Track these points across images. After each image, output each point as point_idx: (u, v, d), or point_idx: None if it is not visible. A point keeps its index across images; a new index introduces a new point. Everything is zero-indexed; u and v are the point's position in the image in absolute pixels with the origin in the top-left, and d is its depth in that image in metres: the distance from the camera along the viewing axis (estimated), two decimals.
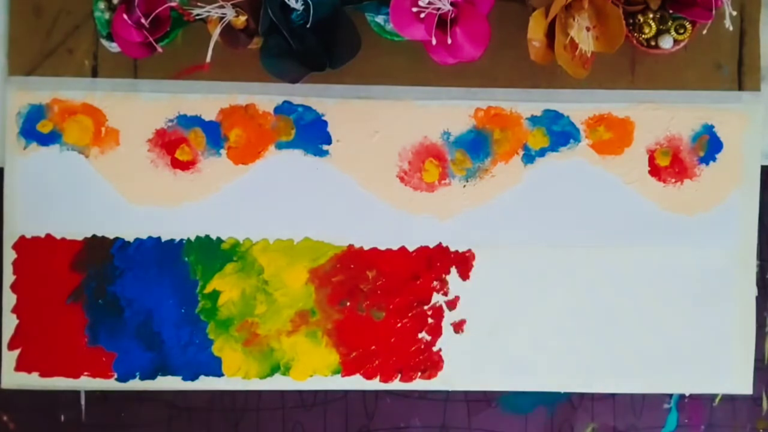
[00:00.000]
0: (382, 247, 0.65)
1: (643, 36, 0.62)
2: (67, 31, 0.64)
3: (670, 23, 0.62)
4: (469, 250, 0.65)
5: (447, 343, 0.65)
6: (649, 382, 0.65)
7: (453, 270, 0.64)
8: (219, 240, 0.64)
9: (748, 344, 0.65)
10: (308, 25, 0.59)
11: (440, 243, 0.65)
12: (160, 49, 0.59)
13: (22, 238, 0.64)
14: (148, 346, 0.64)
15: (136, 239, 0.64)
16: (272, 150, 0.64)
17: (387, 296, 0.65)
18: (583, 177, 0.65)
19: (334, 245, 0.65)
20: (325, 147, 0.64)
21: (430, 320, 0.64)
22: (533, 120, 0.65)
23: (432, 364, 0.64)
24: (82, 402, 0.64)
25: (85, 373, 0.64)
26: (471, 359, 0.65)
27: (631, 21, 0.62)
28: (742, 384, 0.65)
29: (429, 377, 0.65)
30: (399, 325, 0.65)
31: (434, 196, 0.65)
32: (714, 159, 0.65)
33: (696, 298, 0.65)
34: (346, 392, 0.65)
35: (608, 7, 0.58)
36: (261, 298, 0.64)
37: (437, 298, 0.64)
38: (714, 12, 0.58)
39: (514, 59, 0.64)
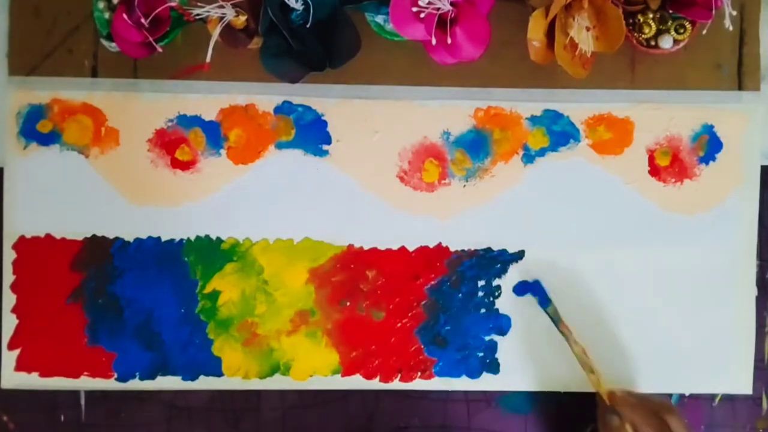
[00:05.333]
0: (382, 247, 0.65)
1: (643, 36, 0.62)
2: (67, 31, 0.64)
3: (670, 23, 0.62)
4: (470, 249, 0.65)
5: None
6: (649, 382, 0.65)
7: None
8: (219, 240, 0.64)
9: (748, 344, 0.65)
10: (308, 25, 0.59)
11: (440, 243, 0.65)
12: (160, 49, 0.59)
13: (22, 238, 0.64)
14: (148, 346, 0.64)
15: (136, 239, 0.64)
16: (272, 150, 0.64)
17: (387, 296, 0.65)
18: (582, 177, 0.65)
19: (334, 245, 0.65)
20: (325, 147, 0.64)
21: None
22: (533, 120, 0.65)
23: (431, 364, 0.65)
24: (82, 402, 0.64)
25: (85, 373, 0.64)
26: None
27: (631, 21, 0.62)
28: (742, 384, 0.65)
29: (429, 377, 0.65)
30: (399, 325, 0.65)
31: (434, 196, 0.65)
32: (714, 159, 0.65)
33: (696, 298, 0.65)
34: (346, 392, 0.65)
35: (608, 7, 0.58)
36: (261, 298, 0.64)
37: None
38: (714, 12, 0.59)
39: (514, 59, 0.64)
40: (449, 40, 0.56)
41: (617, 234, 0.65)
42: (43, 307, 0.64)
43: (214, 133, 0.64)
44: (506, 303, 0.65)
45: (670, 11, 0.61)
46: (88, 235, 0.64)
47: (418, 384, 0.65)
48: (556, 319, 0.63)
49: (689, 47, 0.63)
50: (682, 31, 0.62)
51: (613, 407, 0.59)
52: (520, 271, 0.65)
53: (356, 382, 0.65)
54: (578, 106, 0.65)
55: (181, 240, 0.64)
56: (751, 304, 0.65)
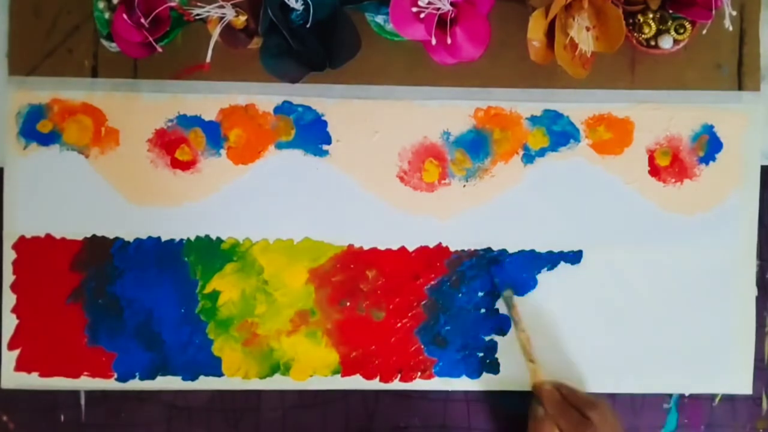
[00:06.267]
0: (382, 247, 0.65)
1: (643, 36, 0.62)
2: (67, 31, 0.64)
3: (670, 23, 0.62)
4: (470, 249, 0.65)
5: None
6: (649, 382, 0.65)
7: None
8: (219, 240, 0.64)
9: (748, 344, 0.65)
10: (308, 25, 0.59)
11: (440, 243, 0.65)
12: (160, 49, 0.59)
13: (22, 238, 0.64)
14: (148, 346, 0.64)
15: (136, 239, 0.64)
16: (272, 150, 0.64)
17: (387, 296, 0.65)
18: (582, 177, 0.65)
19: (334, 245, 0.65)
20: (325, 147, 0.64)
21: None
22: (533, 120, 0.65)
23: (431, 364, 0.65)
24: (82, 402, 0.64)
25: (85, 373, 0.64)
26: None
27: (631, 21, 0.62)
28: (742, 384, 0.65)
29: (429, 377, 0.65)
30: (399, 325, 0.65)
31: (434, 196, 0.65)
32: (714, 159, 0.65)
33: (696, 298, 0.65)
34: (346, 392, 0.65)
35: (608, 7, 0.58)
36: (261, 298, 0.64)
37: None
38: (714, 12, 0.59)
39: (514, 59, 0.64)
40: (449, 40, 0.56)
41: (617, 234, 0.65)
42: (43, 307, 0.64)
43: (214, 133, 0.64)
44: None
45: (670, 11, 0.61)
46: (88, 235, 0.64)
47: (418, 384, 0.65)
48: (509, 304, 0.63)
49: (689, 47, 0.63)
50: (682, 31, 0.62)
51: (539, 399, 0.61)
52: (519, 270, 0.65)
53: (356, 382, 0.65)
54: (578, 106, 0.65)
55: (181, 240, 0.64)
56: (751, 304, 0.65)
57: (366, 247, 0.65)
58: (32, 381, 0.64)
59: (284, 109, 0.64)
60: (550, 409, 0.59)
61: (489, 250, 0.65)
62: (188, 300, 0.64)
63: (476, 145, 0.64)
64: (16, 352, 0.64)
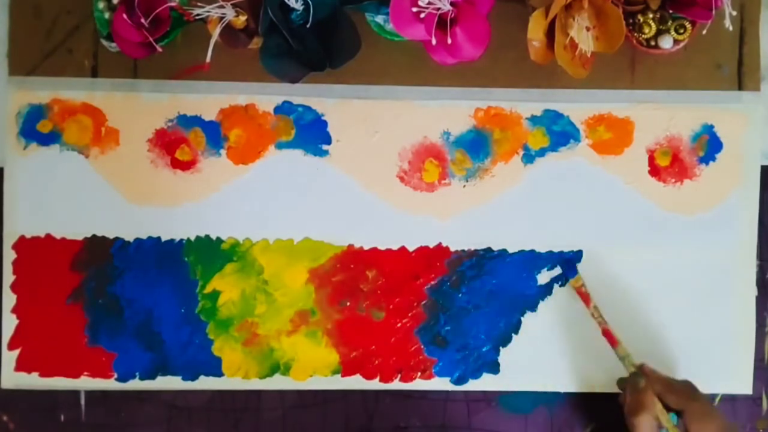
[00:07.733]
0: (382, 247, 0.65)
1: (643, 36, 0.62)
2: (67, 31, 0.64)
3: (670, 23, 0.62)
4: (470, 249, 0.65)
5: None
6: None
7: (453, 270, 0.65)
8: (219, 240, 0.64)
9: (748, 344, 0.65)
10: (308, 25, 0.59)
11: (440, 243, 0.65)
12: (160, 49, 0.59)
13: (22, 238, 0.64)
14: (148, 346, 0.64)
15: (136, 239, 0.64)
16: (272, 150, 0.64)
17: (387, 296, 0.65)
18: (582, 177, 0.65)
19: (334, 245, 0.65)
20: (325, 147, 0.64)
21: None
22: (533, 120, 0.65)
23: (432, 364, 0.65)
24: (82, 402, 0.64)
25: (85, 373, 0.64)
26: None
27: (631, 21, 0.62)
28: (742, 384, 0.65)
29: (429, 377, 0.65)
30: (399, 325, 0.65)
31: (434, 196, 0.65)
32: (714, 159, 0.65)
33: (696, 298, 0.65)
34: (346, 392, 0.65)
35: (608, 7, 0.58)
36: (261, 298, 0.64)
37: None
38: (714, 12, 0.59)
39: (514, 59, 0.64)
40: (449, 40, 0.56)
41: (617, 234, 0.65)
42: (43, 307, 0.64)
43: (214, 133, 0.64)
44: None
45: (670, 11, 0.61)
46: (88, 235, 0.64)
47: (418, 384, 0.65)
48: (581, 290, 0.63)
49: (689, 47, 0.63)
50: (682, 31, 0.62)
51: (640, 373, 0.60)
52: (518, 270, 0.65)
53: (356, 382, 0.65)
54: (578, 106, 0.65)
55: (181, 240, 0.64)
56: (751, 304, 0.65)
57: (366, 247, 0.65)
58: (32, 381, 0.64)
59: (284, 109, 0.64)
60: (654, 382, 0.59)
61: (489, 250, 0.65)
62: (188, 300, 0.64)
63: (476, 145, 0.65)
64: (16, 352, 0.64)
